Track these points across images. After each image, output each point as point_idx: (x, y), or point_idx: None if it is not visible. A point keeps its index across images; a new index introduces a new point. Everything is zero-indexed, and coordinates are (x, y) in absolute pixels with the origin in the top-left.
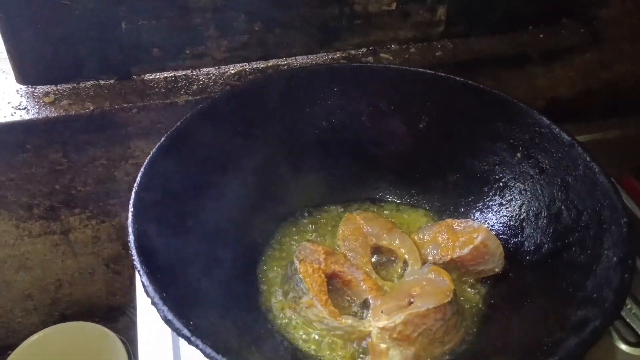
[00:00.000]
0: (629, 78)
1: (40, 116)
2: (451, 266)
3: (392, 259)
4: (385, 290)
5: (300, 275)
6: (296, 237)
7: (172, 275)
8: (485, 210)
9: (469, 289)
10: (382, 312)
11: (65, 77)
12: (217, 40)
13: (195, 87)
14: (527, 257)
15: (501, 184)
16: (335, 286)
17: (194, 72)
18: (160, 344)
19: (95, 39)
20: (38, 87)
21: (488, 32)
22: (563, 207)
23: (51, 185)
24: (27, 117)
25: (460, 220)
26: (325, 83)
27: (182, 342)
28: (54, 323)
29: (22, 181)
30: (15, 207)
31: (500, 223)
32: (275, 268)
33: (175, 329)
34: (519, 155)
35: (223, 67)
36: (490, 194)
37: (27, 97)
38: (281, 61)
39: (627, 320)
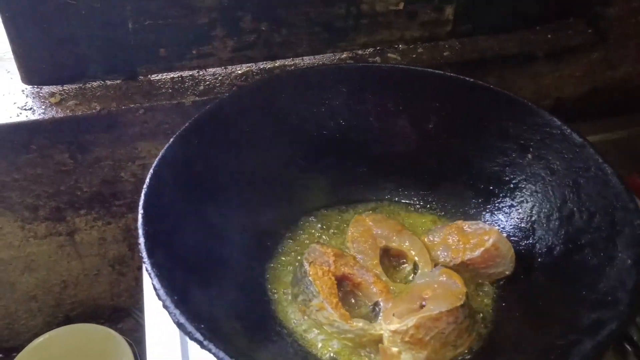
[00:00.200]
0: (635, 77)
1: (46, 116)
2: (462, 269)
3: (402, 261)
4: (396, 292)
5: (310, 278)
6: (305, 239)
7: (182, 278)
8: (495, 211)
9: (481, 292)
10: (393, 315)
11: (71, 77)
12: (224, 40)
13: (201, 87)
14: (539, 259)
15: (512, 185)
16: (345, 289)
17: (201, 73)
18: (168, 346)
19: (102, 39)
20: (44, 87)
21: (495, 32)
22: (575, 208)
23: (57, 186)
24: (32, 117)
25: (470, 222)
26: (333, 83)
27: (191, 344)
28: (58, 325)
29: (28, 182)
30: (21, 208)
31: (511, 225)
32: (285, 270)
33: (187, 333)
34: (529, 156)
35: (229, 67)
36: (501, 195)
37: (33, 98)
38: (288, 61)
39: None
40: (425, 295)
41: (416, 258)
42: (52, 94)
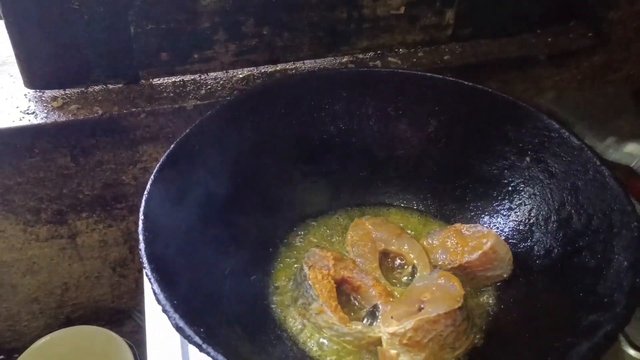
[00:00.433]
0: (637, 80)
1: (48, 120)
2: (460, 271)
3: (401, 264)
4: (395, 295)
5: (309, 282)
6: (305, 243)
7: (182, 282)
8: (494, 214)
9: (479, 294)
10: (392, 317)
11: (73, 82)
12: (225, 45)
13: (203, 91)
14: (537, 262)
15: (510, 188)
16: (344, 292)
17: (202, 77)
18: (169, 348)
19: (104, 43)
20: (46, 91)
21: (496, 35)
22: (573, 211)
23: (59, 189)
24: (35, 121)
25: (469, 225)
26: (334, 88)
27: (192, 348)
28: (60, 326)
29: (30, 185)
30: (23, 212)
31: (509, 227)
32: (284, 274)
33: (186, 337)
34: (528, 159)
35: (231, 71)
36: (500, 198)
37: (36, 102)
38: (289, 65)
39: None
40: (424, 298)
41: (415, 261)
42: (55, 98)
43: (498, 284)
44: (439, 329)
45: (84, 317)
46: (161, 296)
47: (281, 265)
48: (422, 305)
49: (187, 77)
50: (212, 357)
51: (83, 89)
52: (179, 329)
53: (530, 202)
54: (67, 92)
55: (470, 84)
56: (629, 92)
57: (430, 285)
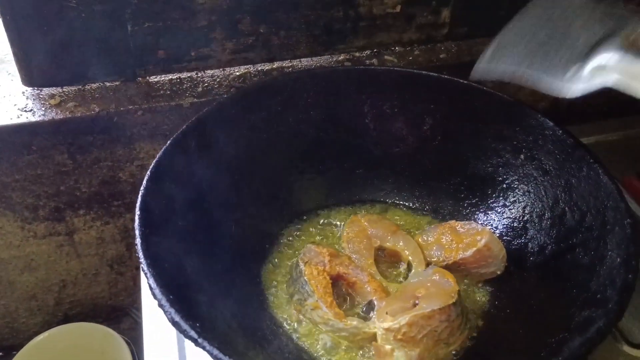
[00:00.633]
0: None
1: (46, 118)
2: (454, 267)
3: (396, 260)
4: (390, 291)
5: (305, 278)
6: (301, 240)
7: (178, 277)
8: (488, 211)
9: (473, 290)
10: (386, 313)
11: (70, 79)
12: (222, 42)
13: (200, 89)
14: (531, 259)
15: (505, 185)
16: (340, 288)
17: (199, 74)
18: (165, 345)
19: (101, 41)
20: (44, 89)
21: (492, 34)
22: (567, 208)
23: (56, 186)
24: (33, 119)
25: (463, 222)
26: (330, 86)
27: (188, 344)
28: (58, 323)
29: (28, 182)
30: (21, 209)
31: (503, 224)
32: (280, 270)
33: (182, 331)
34: (522, 156)
35: (228, 69)
36: (494, 195)
37: (33, 99)
38: (286, 63)
39: None
40: (419, 293)
41: (410, 258)
42: (52, 96)
43: (493, 280)
44: (434, 324)
45: (82, 314)
46: (157, 291)
47: (277, 261)
48: (416, 301)
49: (184, 75)
50: (207, 351)
51: (80, 87)
52: (174, 323)
53: (524, 199)
54: (64, 89)
55: (465, 82)
56: None
57: (424, 282)
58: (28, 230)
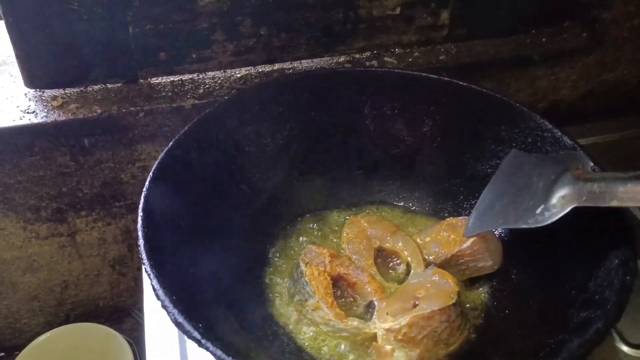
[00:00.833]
0: (631, 80)
1: (48, 120)
2: (452, 262)
3: (396, 261)
4: (390, 292)
5: (306, 278)
6: (302, 240)
7: (181, 278)
8: None
9: (473, 291)
10: (387, 314)
11: (73, 81)
12: (223, 44)
13: (201, 90)
14: (530, 259)
15: None
16: (340, 288)
17: (200, 76)
18: (167, 345)
19: (103, 43)
20: (46, 90)
21: (491, 36)
22: None
23: (58, 187)
24: (35, 120)
25: (461, 217)
26: (330, 87)
27: (189, 344)
28: (60, 324)
29: (30, 184)
30: (23, 210)
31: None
32: (281, 271)
33: (185, 332)
34: None
35: (229, 70)
36: None
37: (36, 101)
38: (286, 65)
39: None
40: (419, 294)
41: (409, 258)
42: (55, 98)
43: (492, 281)
44: (434, 325)
45: (84, 314)
46: (160, 292)
47: (278, 262)
48: (416, 302)
49: (186, 77)
50: (210, 352)
51: (82, 89)
52: (178, 324)
53: None
54: (66, 91)
55: (465, 84)
56: None
57: (424, 282)
58: (30, 231)
